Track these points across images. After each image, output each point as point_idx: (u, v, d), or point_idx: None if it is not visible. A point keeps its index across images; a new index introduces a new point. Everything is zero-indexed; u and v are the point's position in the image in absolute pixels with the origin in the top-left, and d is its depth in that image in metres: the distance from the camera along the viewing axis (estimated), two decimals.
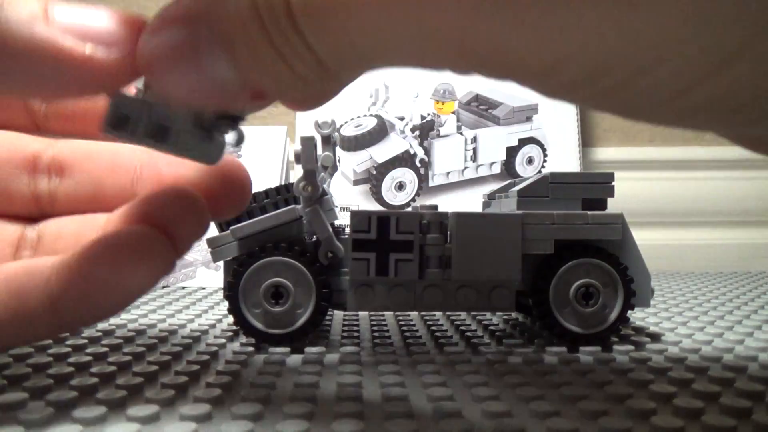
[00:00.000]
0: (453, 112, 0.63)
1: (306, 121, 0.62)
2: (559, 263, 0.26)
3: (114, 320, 0.31)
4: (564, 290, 0.26)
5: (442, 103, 0.63)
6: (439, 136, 0.63)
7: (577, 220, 0.26)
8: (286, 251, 0.26)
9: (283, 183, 0.29)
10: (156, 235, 0.18)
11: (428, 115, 0.62)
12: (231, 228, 0.26)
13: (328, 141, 0.27)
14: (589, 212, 0.26)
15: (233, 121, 0.17)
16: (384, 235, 0.25)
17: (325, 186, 0.27)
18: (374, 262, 0.25)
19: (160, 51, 0.15)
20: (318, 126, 0.26)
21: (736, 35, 0.12)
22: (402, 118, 0.62)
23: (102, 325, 0.30)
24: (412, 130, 0.62)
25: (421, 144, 0.62)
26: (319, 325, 0.26)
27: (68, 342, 0.26)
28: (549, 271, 0.26)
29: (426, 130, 0.62)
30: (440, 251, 0.25)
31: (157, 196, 0.19)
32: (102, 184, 0.23)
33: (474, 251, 0.25)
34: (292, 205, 0.26)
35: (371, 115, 0.62)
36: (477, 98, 0.63)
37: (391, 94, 0.62)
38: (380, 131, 0.62)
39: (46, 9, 0.16)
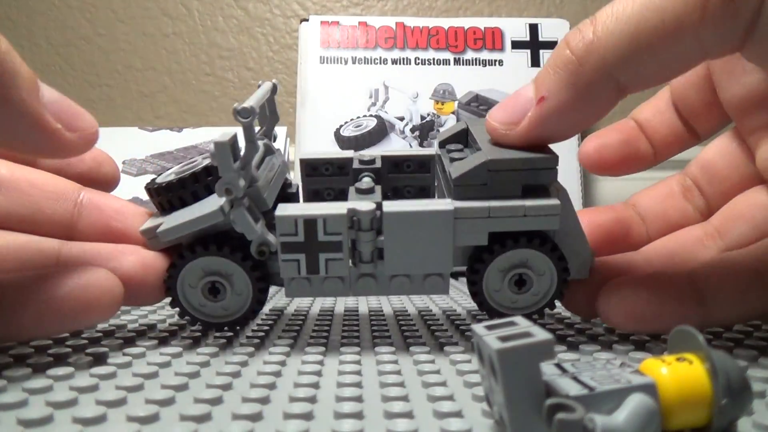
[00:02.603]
0: (453, 113, 0.63)
1: (307, 121, 0.61)
2: (491, 255, 0.26)
3: (114, 321, 0.31)
4: (498, 277, 0.27)
5: (442, 104, 0.63)
6: None
7: (511, 213, 0.25)
8: (217, 250, 0.26)
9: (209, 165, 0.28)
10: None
11: (428, 115, 0.62)
12: (158, 231, 0.26)
13: (250, 131, 0.25)
14: (526, 203, 0.25)
15: None
16: (312, 236, 0.25)
17: (255, 173, 0.26)
18: (304, 263, 0.25)
19: None
20: (237, 114, 0.24)
21: None
22: (402, 119, 0.62)
23: (102, 326, 0.30)
24: (412, 130, 0.62)
25: (421, 144, 0.62)
26: (261, 308, 0.28)
27: (68, 342, 0.26)
28: (480, 262, 0.26)
29: (426, 131, 0.62)
30: (372, 246, 0.25)
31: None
32: (41, 209, 0.26)
33: (405, 247, 0.25)
34: (217, 208, 0.25)
35: (371, 116, 0.62)
36: (477, 98, 0.63)
37: (391, 95, 0.62)
38: (380, 131, 0.62)
39: (39, 89, 0.22)
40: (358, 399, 0.19)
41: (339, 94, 0.62)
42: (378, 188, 0.27)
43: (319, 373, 0.22)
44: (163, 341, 0.27)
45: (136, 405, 0.18)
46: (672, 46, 0.21)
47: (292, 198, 0.32)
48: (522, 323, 0.15)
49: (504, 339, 0.14)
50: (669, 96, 0.31)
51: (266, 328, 0.30)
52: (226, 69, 0.77)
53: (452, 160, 0.27)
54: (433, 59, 0.63)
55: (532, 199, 0.25)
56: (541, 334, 0.14)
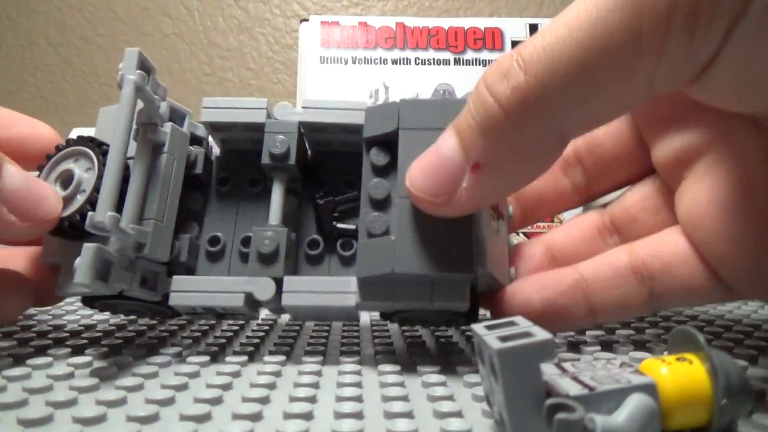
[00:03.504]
0: None
1: None
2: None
3: (114, 320, 0.31)
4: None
5: None
6: None
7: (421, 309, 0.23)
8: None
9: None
10: None
11: None
12: (61, 291, 0.24)
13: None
14: (435, 304, 0.22)
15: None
16: (212, 310, 0.24)
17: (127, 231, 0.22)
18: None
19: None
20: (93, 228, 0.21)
21: None
22: None
23: (102, 326, 0.30)
24: None
25: None
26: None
27: (68, 342, 0.26)
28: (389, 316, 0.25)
29: None
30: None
31: None
32: None
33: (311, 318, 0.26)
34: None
35: None
36: None
37: (391, 94, 0.62)
38: None
39: (2, 177, 0.21)
40: (358, 399, 0.19)
41: (339, 94, 0.62)
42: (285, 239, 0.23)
43: (319, 373, 0.22)
44: (162, 341, 0.27)
45: (136, 405, 0.18)
46: (622, 85, 0.17)
47: (199, 185, 0.26)
48: (522, 323, 0.15)
49: (504, 339, 0.14)
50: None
51: (262, 334, 0.30)
52: (226, 69, 0.77)
53: (371, 200, 0.23)
54: (433, 59, 0.63)
55: (443, 298, 0.22)
56: (541, 334, 0.14)
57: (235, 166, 0.26)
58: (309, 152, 0.26)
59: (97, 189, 0.22)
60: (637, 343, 0.27)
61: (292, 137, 0.24)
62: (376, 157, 0.23)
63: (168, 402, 0.19)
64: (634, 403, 0.14)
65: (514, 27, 0.64)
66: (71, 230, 0.23)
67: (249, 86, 0.76)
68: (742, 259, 0.22)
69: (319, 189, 0.26)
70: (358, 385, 0.20)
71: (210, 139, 0.27)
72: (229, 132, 0.25)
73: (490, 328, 0.15)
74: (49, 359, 0.23)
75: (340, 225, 0.25)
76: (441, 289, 0.22)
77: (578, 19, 0.17)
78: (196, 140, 0.26)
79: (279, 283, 0.23)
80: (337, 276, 0.24)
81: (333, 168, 0.26)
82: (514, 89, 0.18)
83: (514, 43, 0.64)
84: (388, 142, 0.23)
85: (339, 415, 0.18)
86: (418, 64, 0.63)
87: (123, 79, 0.22)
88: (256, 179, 0.26)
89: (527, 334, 0.14)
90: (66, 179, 0.24)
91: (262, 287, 0.23)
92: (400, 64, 0.63)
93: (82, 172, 0.23)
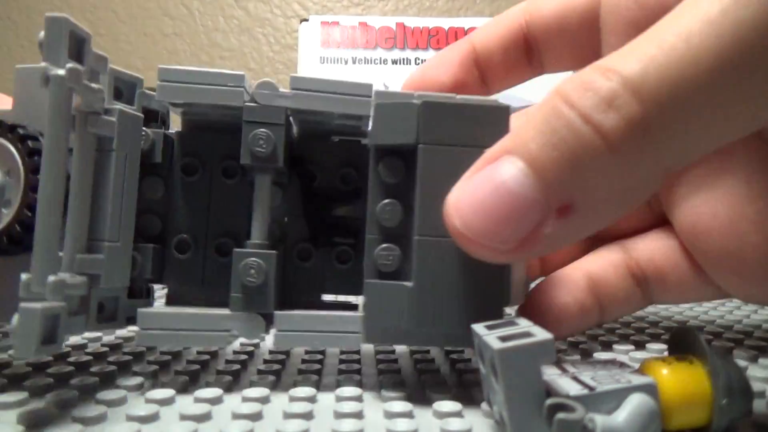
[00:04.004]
0: None
1: None
2: None
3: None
4: None
5: None
6: None
7: None
8: None
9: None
10: None
11: None
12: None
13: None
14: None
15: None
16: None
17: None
18: None
19: None
20: None
21: None
22: None
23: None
24: None
25: None
26: None
27: (68, 342, 0.26)
28: None
29: None
30: None
31: None
32: None
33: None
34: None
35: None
36: None
37: None
38: None
39: None
40: (358, 399, 0.19)
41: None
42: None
43: (318, 372, 0.22)
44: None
45: (136, 405, 0.18)
46: (753, 104, 0.14)
47: (158, 170, 0.21)
48: (522, 323, 0.15)
49: (504, 339, 0.14)
50: None
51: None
52: (227, 69, 0.77)
53: (383, 214, 0.19)
54: None
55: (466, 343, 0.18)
56: (541, 334, 0.14)
57: (203, 147, 0.21)
58: (294, 133, 0.22)
59: (27, 206, 0.18)
60: (637, 343, 0.27)
61: (278, 132, 0.19)
62: (387, 172, 0.19)
63: (168, 402, 0.19)
64: (634, 403, 0.14)
65: None
66: None
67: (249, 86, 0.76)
68: (755, 274, 0.21)
69: (308, 183, 0.21)
70: (358, 384, 0.20)
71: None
72: (192, 107, 0.20)
73: (490, 328, 0.15)
74: (48, 358, 0.23)
75: (338, 239, 0.22)
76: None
77: (698, 31, 0.14)
78: (150, 115, 0.21)
79: (267, 317, 0.20)
80: (330, 276, 0.22)
81: (325, 158, 0.22)
82: (629, 122, 0.14)
83: None
84: (402, 151, 0.19)
85: (339, 415, 0.18)
86: (419, 64, 0.63)
87: (48, 76, 0.16)
88: (231, 167, 0.21)
89: (527, 334, 0.14)
90: None
91: (249, 326, 0.19)
92: (400, 64, 0.63)
93: (3, 175, 0.19)
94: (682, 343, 0.16)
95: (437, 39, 0.64)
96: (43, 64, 0.16)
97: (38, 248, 0.17)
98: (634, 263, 0.24)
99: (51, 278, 0.16)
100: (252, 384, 0.20)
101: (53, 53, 0.17)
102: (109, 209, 0.19)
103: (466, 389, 0.20)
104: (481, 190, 0.16)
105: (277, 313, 0.19)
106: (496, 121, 0.17)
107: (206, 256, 0.21)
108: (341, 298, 0.20)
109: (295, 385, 0.20)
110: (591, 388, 0.14)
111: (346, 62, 0.63)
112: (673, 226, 0.23)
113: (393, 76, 0.62)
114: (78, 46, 0.18)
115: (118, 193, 0.19)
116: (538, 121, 0.15)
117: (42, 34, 0.17)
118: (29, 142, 0.19)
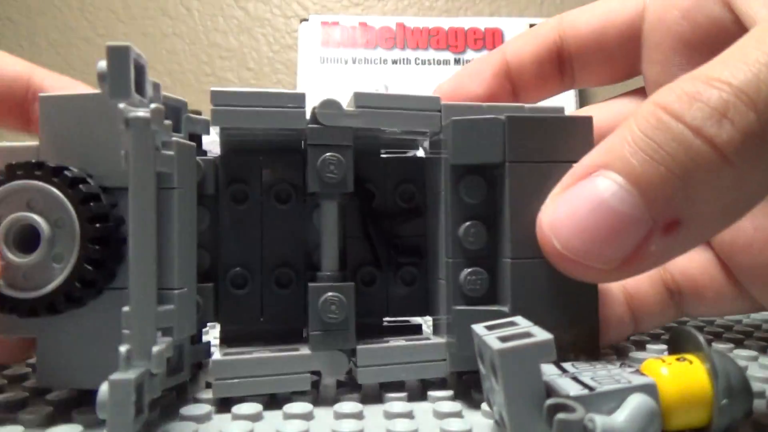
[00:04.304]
0: None
1: None
2: None
3: None
4: None
5: None
6: None
7: None
8: None
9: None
10: None
11: None
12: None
13: None
14: None
15: None
16: None
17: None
18: None
19: None
20: None
21: None
22: None
23: None
24: None
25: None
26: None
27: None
28: None
29: None
30: None
31: None
32: None
33: None
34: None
35: None
36: None
37: None
38: None
39: None
40: (359, 399, 0.19)
41: (339, 94, 0.62)
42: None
43: (318, 373, 0.22)
44: None
45: None
46: None
47: (202, 199, 0.19)
48: (522, 323, 0.15)
49: (504, 339, 0.14)
50: None
51: None
52: (227, 69, 0.77)
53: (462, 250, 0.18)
54: (433, 59, 0.63)
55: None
56: (541, 334, 0.14)
57: (249, 172, 0.19)
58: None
59: (87, 260, 0.16)
60: (637, 343, 0.27)
61: (347, 155, 0.18)
62: (469, 192, 0.18)
63: (168, 402, 0.19)
64: (634, 403, 0.14)
65: (514, 27, 0.64)
66: (47, 310, 0.16)
67: (249, 86, 0.76)
68: None
69: (367, 203, 0.20)
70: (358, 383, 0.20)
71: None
72: (242, 129, 0.19)
73: (490, 328, 0.15)
74: None
75: (402, 260, 0.20)
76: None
77: None
78: (193, 140, 0.20)
79: (349, 353, 0.19)
80: (394, 298, 0.20)
81: (380, 175, 0.20)
82: (745, 133, 0.14)
83: None
84: (483, 169, 0.18)
85: (339, 416, 0.18)
86: (418, 64, 0.63)
87: (128, 118, 0.15)
88: (284, 191, 0.20)
89: (527, 335, 0.14)
90: (22, 236, 0.16)
91: (333, 364, 0.18)
92: (400, 64, 0.63)
93: (50, 226, 0.16)
94: (682, 343, 0.16)
95: (437, 39, 0.64)
96: (121, 105, 0.15)
97: (138, 320, 0.15)
98: (669, 276, 0.23)
99: (155, 349, 0.15)
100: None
101: (119, 87, 0.15)
102: (175, 254, 0.17)
103: (466, 389, 0.20)
104: (578, 209, 0.15)
105: (360, 348, 0.18)
106: (582, 133, 0.17)
107: (264, 289, 0.20)
108: (427, 341, 0.20)
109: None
110: (591, 389, 0.14)
111: (346, 62, 0.63)
112: (713, 243, 0.23)
113: (393, 76, 0.62)
114: (138, 75, 0.16)
115: (184, 234, 0.17)
116: (637, 135, 0.15)
117: (103, 64, 0.15)
118: (81, 186, 0.16)
